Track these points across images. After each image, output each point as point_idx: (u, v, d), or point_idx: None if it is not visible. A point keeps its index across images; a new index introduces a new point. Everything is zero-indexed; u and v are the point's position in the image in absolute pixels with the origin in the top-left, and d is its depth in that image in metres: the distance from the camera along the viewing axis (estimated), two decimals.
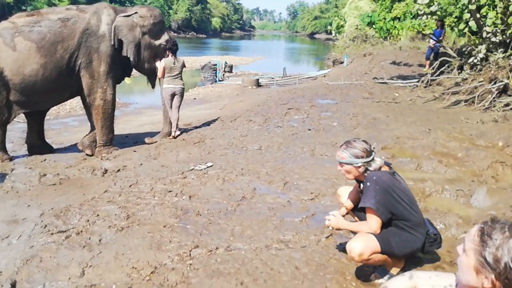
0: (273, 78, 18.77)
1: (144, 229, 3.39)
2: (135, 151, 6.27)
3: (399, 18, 28.34)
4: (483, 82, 7.27)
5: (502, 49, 7.46)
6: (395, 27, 28.47)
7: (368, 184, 2.47)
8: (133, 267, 2.85)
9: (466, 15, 8.02)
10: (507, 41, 7.45)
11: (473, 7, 7.67)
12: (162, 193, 4.21)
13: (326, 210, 3.58)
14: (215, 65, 18.83)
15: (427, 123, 6.35)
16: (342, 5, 54.47)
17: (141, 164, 5.46)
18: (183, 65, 7.13)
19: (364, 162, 2.51)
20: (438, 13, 8.67)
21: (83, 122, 9.55)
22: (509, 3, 7.28)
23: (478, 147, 5.05)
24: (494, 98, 6.79)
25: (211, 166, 5.01)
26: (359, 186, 2.70)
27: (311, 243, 3.05)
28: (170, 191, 4.24)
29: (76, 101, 10.78)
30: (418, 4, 8.37)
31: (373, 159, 2.53)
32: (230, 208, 3.75)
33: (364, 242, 2.39)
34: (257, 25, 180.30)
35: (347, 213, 2.83)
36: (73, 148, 7.09)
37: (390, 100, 8.76)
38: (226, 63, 20.03)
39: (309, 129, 6.70)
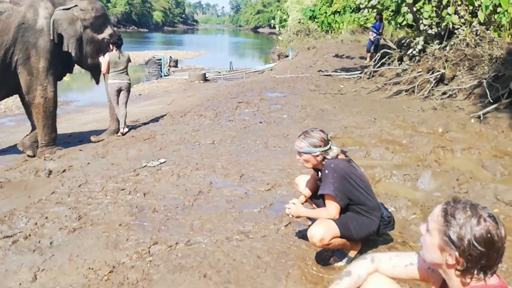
0: (220, 72, 18.70)
1: (98, 229, 3.27)
2: (81, 150, 6.01)
3: (339, 12, 29.27)
4: (421, 72, 7.70)
5: (438, 41, 7.93)
6: (336, 21, 29.38)
7: (326, 171, 2.54)
8: (89, 268, 2.75)
9: (404, 9, 8.42)
10: (442, 33, 7.93)
11: (410, 0, 8.07)
12: (114, 191, 4.08)
13: (283, 199, 3.65)
14: (160, 60, 18.41)
15: (372, 113, 6.62)
16: None
17: (88, 163, 5.25)
18: (129, 60, 6.92)
19: (322, 151, 2.58)
20: (378, 6, 9.03)
21: (20, 122, 9.01)
22: None
23: (420, 133, 5.35)
24: (432, 87, 7.21)
25: (164, 162, 4.92)
26: (317, 174, 2.78)
27: (271, 232, 3.09)
28: (123, 189, 4.11)
29: (12, 100, 10.15)
30: None
31: (330, 147, 2.60)
32: (187, 203, 3.70)
33: (324, 227, 2.47)
34: (200, 19, 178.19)
35: (305, 201, 2.90)
36: (11, 149, 6.66)
37: (336, 91, 9.04)
38: (171, 57, 19.65)
39: (261, 122, 6.76)
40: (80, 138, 7.13)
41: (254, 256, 2.76)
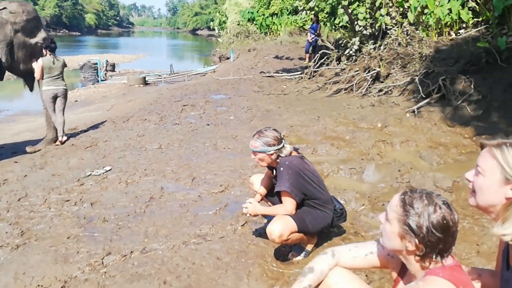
0: (160, 75, 18.31)
1: (44, 244, 3.09)
2: (16, 162, 5.62)
3: (277, 14, 29.78)
4: (359, 71, 8.07)
5: (372, 41, 8.35)
6: (274, 22, 29.85)
7: (281, 169, 2.60)
8: (38, 285, 2.60)
9: (340, 11, 8.78)
10: (376, 33, 8.37)
11: (345, 3, 8.43)
12: (58, 203, 3.87)
13: (237, 200, 3.68)
14: (96, 64, 17.69)
15: (315, 111, 6.83)
16: (222, 1, 55.29)
17: (25, 175, 4.92)
18: (64, 65, 6.59)
19: (276, 150, 2.64)
20: (316, 8, 9.34)
21: None
22: None
23: (361, 129, 5.61)
24: (369, 85, 7.59)
25: (110, 170, 4.74)
26: (272, 173, 2.83)
27: (228, 233, 3.10)
28: (67, 201, 3.92)
29: None
30: (298, 0, 8.92)
31: (283, 146, 2.67)
32: (139, 211, 3.61)
33: (282, 223, 2.52)
34: (136, 22, 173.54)
35: (261, 200, 2.94)
36: None
37: (279, 92, 9.21)
38: (107, 61, 18.94)
39: (208, 124, 6.73)
40: (14, 149, 6.65)
41: (214, 258, 2.75)
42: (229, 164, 4.62)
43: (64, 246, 3.04)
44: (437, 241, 1.32)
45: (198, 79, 16.40)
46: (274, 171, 2.78)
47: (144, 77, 16.47)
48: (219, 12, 37.54)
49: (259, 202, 2.85)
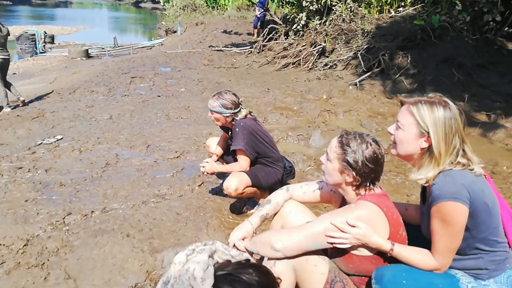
0: (104, 48, 17.65)
1: (1, 208, 3.12)
2: None
3: None
4: (305, 46, 8.37)
5: (318, 17, 8.66)
6: None
7: (236, 130, 2.82)
8: (1, 244, 2.66)
9: None
10: (322, 9, 8.67)
11: None
12: (11, 171, 3.85)
13: (193, 164, 3.86)
14: (33, 35, 16.69)
15: (265, 84, 7.07)
16: None
17: None
18: (8, 34, 6.31)
19: (232, 113, 2.84)
20: None
21: None
22: None
23: (308, 100, 5.94)
24: (315, 59, 7.93)
25: (62, 138, 4.72)
26: (228, 134, 3.04)
27: (186, 192, 3.29)
28: (20, 168, 3.90)
29: None
30: None
31: (240, 110, 2.87)
32: (95, 175, 3.69)
33: (238, 179, 2.75)
34: None
35: (218, 160, 3.15)
36: None
37: (230, 65, 9.34)
38: (45, 33, 17.92)
39: (159, 96, 6.76)
40: None
41: (174, 213, 2.94)
42: (183, 133, 4.76)
43: (22, 208, 3.09)
44: (370, 172, 1.61)
45: (144, 52, 16.02)
46: (230, 133, 2.99)
47: (87, 50, 15.81)
48: None
49: (216, 162, 3.07)
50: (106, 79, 8.39)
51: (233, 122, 2.88)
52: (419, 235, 1.68)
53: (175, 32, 20.73)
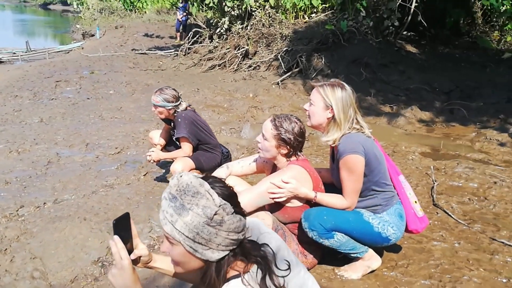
0: (15, 53, 16.68)
1: None
2: None
3: None
4: (230, 49, 8.88)
5: (240, 21, 9.22)
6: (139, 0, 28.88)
7: (179, 120, 3.21)
8: None
9: None
10: (243, 14, 9.25)
11: None
12: None
13: (135, 158, 4.16)
14: None
15: (194, 85, 7.45)
16: None
17: None
18: None
19: (174, 106, 3.23)
20: None
21: None
22: None
23: (236, 98, 6.44)
24: (240, 61, 8.47)
25: None
26: (170, 125, 3.42)
27: (133, 181, 3.60)
28: None
29: None
30: None
31: (180, 103, 3.27)
32: (40, 173, 3.84)
33: (183, 163, 3.15)
34: None
35: (162, 149, 3.51)
36: None
37: (156, 68, 9.55)
38: None
39: (88, 98, 6.83)
40: None
41: (125, 198, 3.25)
42: (120, 131, 4.99)
43: None
44: (298, 143, 2.13)
45: (62, 56, 15.43)
46: (172, 124, 3.37)
47: None
48: None
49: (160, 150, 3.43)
50: (29, 84, 8.17)
51: (175, 114, 3.27)
52: (330, 189, 2.24)
53: (93, 35, 20.11)
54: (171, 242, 1.17)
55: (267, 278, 1.15)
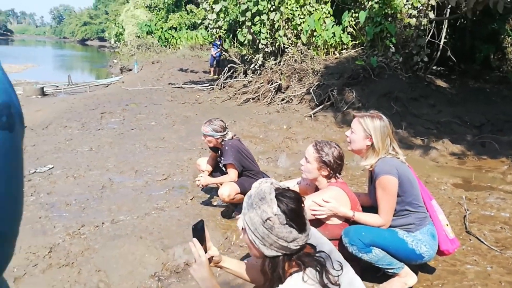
0: (58, 86, 17.79)
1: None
2: None
3: (175, 28, 30.32)
4: (263, 83, 9.31)
5: (273, 57, 9.69)
6: (173, 36, 30.40)
7: (226, 148, 3.53)
8: (28, 252, 3.12)
9: (245, 30, 10.00)
10: (276, 51, 9.73)
11: (249, 23, 9.67)
12: None
13: (181, 184, 4.48)
14: None
15: (231, 117, 7.84)
16: (114, 12, 53.93)
17: None
18: None
19: (221, 135, 3.56)
20: (224, 27, 10.44)
21: None
22: (274, 22, 9.54)
23: (271, 130, 6.76)
24: (273, 95, 8.86)
25: (53, 167, 5.15)
26: (217, 153, 3.74)
27: (181, 204, 3.90)
28: None
29: None
30: (208, 19, 9.93)
31: (227, 133, 3.60)
32: (96, 196, 4.20)
33: (230, 187, 3.44)
34: (16, 29, 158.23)
35: (209, 175, 3.82)
36: None
37: (193, 101, 10.06)
38: None
39: (132, 129, 7.30)
40: None
41: (175, 220, 3.54)
42: (166, 159, 5.36)
43: (38, 223, 3.55)
44: (338, 166, 2.39)
45: (103, 89, 16.36)
46: (219, 152, 3.69)
47: (42, 88, 15.93)
48: (115, 23, 36.85)
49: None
50: (76, 115, 8.79)
51: (223, 143, 3.59)
52: (368, 211, 2.47)
53: (130, 70, 21.22)
54: (244, 228, 1.46)
55: (324, 276, 1.39)
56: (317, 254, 1.45)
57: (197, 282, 1.63)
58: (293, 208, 1.44)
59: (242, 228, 1.51)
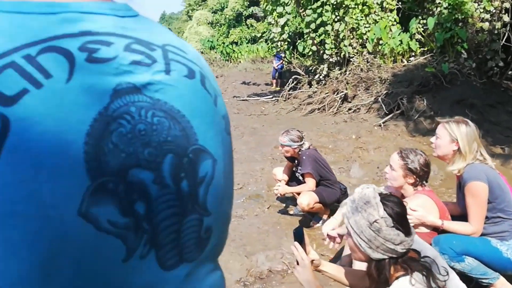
0: None
1: None
2: None
3: (236, 43, 31.16)
4: (328, 93, 9.30)
5: (338, 67, 9.66)
6: (234, 50, 31.18)
7: (304, 157, 3.61)
8: None
9: (309, 41, 10.09)
10: (341, 61, 9.70)
11: (313, 35, 9.75)
12: None
13: (256, 193, 4.62)
14: None
15: (297, 128, 7.87)
16: (177, 29, 56.46)
17: None
18: None
19: (298, 145, 3.65)
20: (288, 39, 10.62)
21: None
22: (339, 32, 9.54)
23: (340, 140, 6.74)
24: (339, 105, 8.82)
25: None
26: (293, 163, 3.83)
27: (259, 213, 4.03)
28: None
29: None
30: (273, 32, 10.16)
31: (303, 143, 3.68)
32: None
33: (308, 196, 3.50)
34: None
35: (285, 184, 3.92)
36: None
37: (259, 113, 10.28)
38: None
39: None
40: None
41: (255, 228, 3.67)
42: (239, 169, 5.54)
43: None
44: (424, 174, 2.38)
45: None
46: (295, 162, 3.78)
47: None
48: None
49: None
50: None
51: (300, 153, 3.68)
52: (457, 220, 2.42)
53: None
54: (348, 232, 1.52)
55: (431, 281, 1.41)
56: (422, 259, 1.47)
57: (302, 283, 1.71)
58: (398, 211, 1.48)
59: (341, 234, 1.57)
